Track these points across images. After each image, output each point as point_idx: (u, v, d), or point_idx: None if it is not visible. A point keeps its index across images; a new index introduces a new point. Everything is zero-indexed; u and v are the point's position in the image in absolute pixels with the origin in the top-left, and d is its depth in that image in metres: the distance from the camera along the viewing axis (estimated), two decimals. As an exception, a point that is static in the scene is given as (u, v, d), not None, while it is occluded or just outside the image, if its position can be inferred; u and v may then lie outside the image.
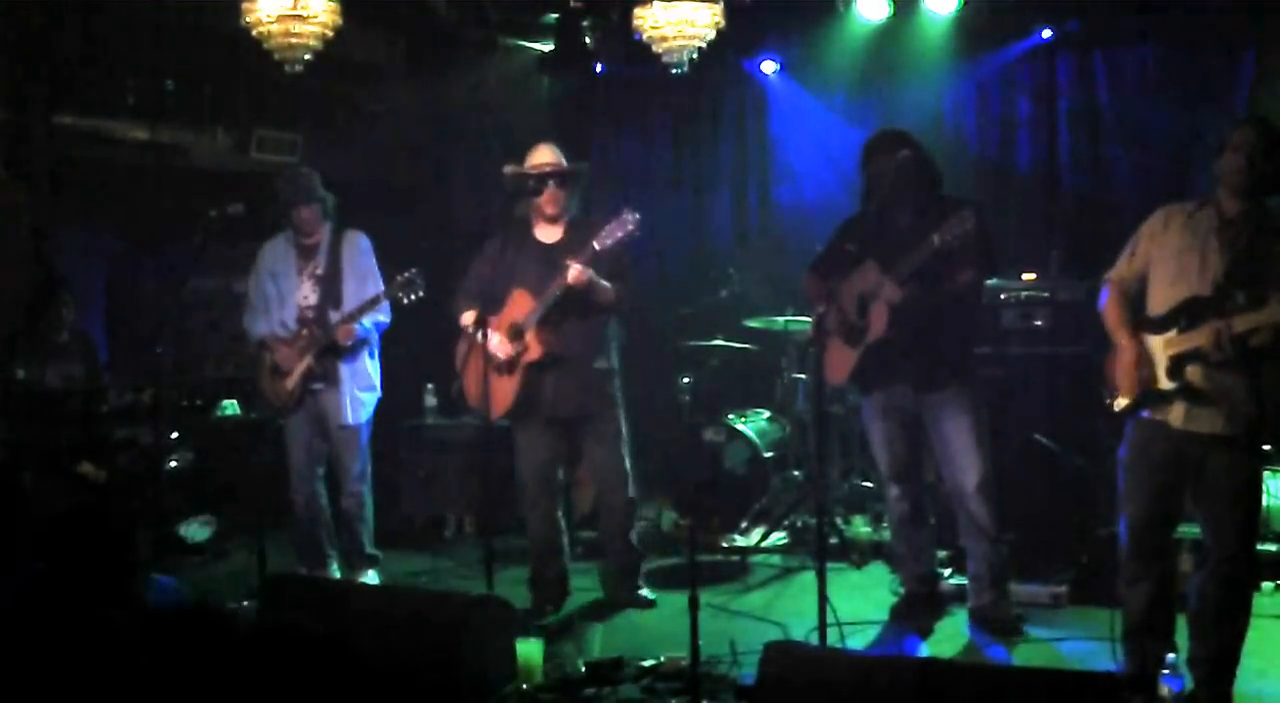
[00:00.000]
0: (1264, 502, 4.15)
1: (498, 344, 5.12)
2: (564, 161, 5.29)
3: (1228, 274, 3.81)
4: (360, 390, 5.65)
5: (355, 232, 5.75)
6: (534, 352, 5.13)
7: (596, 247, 5.00)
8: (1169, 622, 4.05)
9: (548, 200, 5.21)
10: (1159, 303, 3.97)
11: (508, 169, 5.28)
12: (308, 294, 5.64)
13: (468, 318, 5.21)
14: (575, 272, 4.98)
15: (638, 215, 4.99)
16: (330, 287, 5.61)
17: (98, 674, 2.70)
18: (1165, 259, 3.96)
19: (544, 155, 5.27)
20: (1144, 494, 3.97)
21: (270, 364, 5.66)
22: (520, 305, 5.17)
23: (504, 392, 5.19)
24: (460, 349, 5.32)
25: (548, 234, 5.29)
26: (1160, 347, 3.91)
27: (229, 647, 2.75)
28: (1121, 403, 3.99)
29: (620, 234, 4.99)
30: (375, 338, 5.71)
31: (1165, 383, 3.88)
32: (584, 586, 5.54)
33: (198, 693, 2.64)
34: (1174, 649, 4.00)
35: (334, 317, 5.56)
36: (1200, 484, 3.90)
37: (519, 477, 5.44)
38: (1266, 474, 4.39)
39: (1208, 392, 3.81)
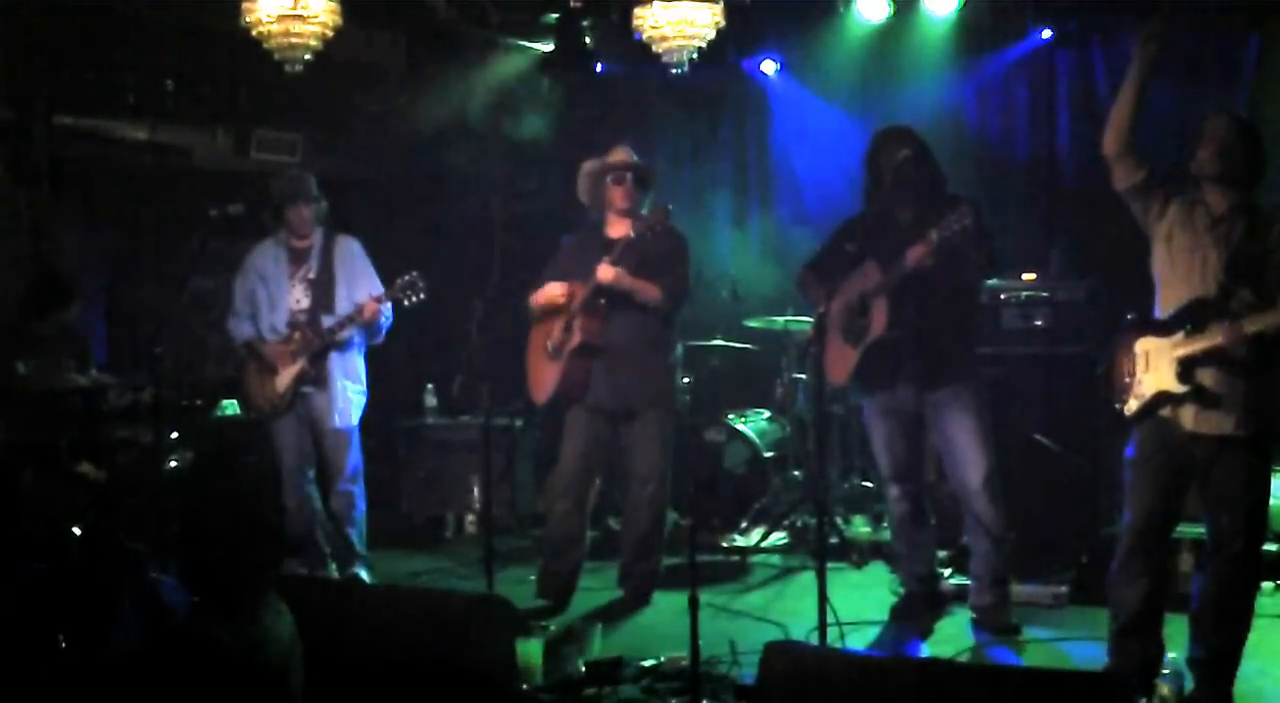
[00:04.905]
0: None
1: (551, 295, 5.34)
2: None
3: (1228, 271, 3.81)
4: (352, 392, 5.65)
5: (348, 237, 5.75)
6: (575, 339, 5.26)
7: (632, 237, 5.14)
8: (1160, 621, 4.03)
9: (623, 195, 5.36)
10: (1163, 305, 3.96)
11: (588, 165, 5.43)
12: (299, 298, 5.63)
13: (551, 291, 5.36)
14: (603, 272, 5.16)
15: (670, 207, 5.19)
16: (323, 291, 5.61)
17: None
18: (1167, 255, 3.95)
19: (622, 154, 5.42)
20: (1150, 493, 3.96)
21: (257, 368, 5.65)
22: (578, 297, 5.31)
23: (550, 376, 5.35)
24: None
25: (616, 229, 5.38)
26: (1168, 350, 3.89)
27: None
28: (1132, 407, 3.98)
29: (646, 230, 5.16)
30: (380, 336, 5.71)
31: (1176, 386, 3.86)
32: (587, 585, 5.53)
33: None
34: (1163, 649, 3.99)
35: (327, 321, 5.55)
36: (1208, 485, 3.89)
37: (559, 462, 5.50)
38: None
39: (1218, 394, 3.81)
